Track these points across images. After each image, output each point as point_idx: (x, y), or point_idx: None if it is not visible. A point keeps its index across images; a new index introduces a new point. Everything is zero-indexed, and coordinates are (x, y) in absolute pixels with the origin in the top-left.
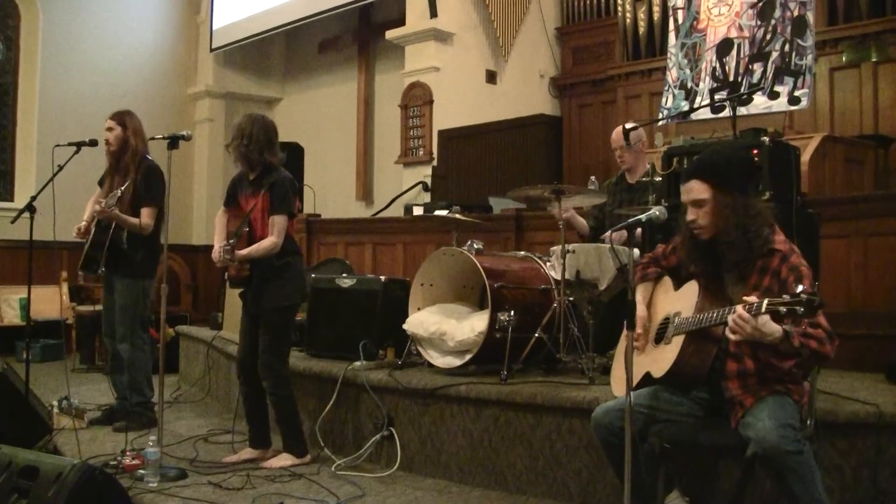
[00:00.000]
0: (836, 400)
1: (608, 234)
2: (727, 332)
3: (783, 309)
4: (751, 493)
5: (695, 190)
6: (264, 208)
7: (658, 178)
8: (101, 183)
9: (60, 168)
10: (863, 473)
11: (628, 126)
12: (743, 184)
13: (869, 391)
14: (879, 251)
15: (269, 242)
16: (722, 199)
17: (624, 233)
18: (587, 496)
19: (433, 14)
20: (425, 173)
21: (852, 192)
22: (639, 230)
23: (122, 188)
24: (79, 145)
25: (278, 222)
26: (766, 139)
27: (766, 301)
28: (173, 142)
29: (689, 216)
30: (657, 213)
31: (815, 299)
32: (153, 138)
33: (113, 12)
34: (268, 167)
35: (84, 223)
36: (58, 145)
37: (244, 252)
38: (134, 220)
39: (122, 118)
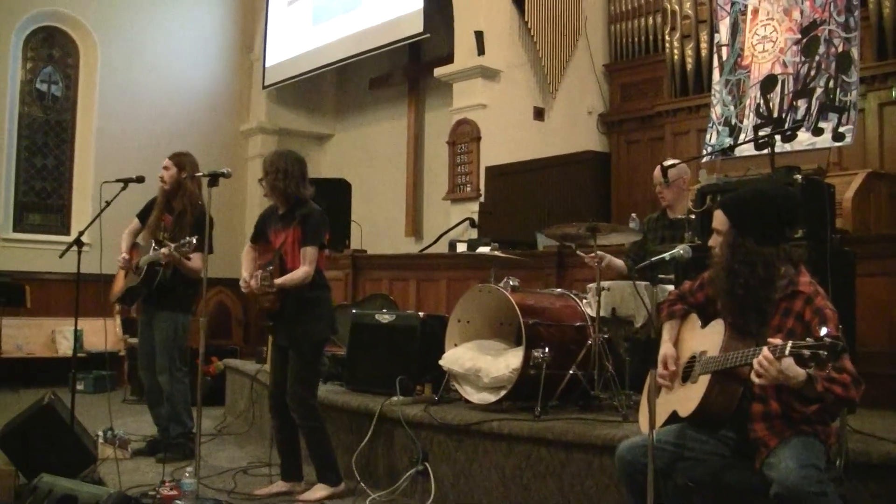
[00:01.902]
0: (869, 440)
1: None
2: (752, 376)
3: (807, 352)
4: None
5: (717, 219)
6: (295, 241)
7: (692, 216)
8: (141, 216)
9: (108, 204)
10: None
11: (667, 163)
12: (766, 232)
13: None
14: None
15: (302, 272)
16: (735, 239)
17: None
18: None
19: (481, 52)
20: (472, 209)
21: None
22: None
23: (194, 239)
24: (126, 182)
25: (310, 253)
26: (799, 177)
27: (789, 343)
28: (213, 179)
29: (710, 241)
30: (681, 251)
31: (839, 343)
32: (194, 176)
33: (168, 50)
34: (299, 201)
35: (126, 255)
36: (106, 182)
37: (279, 281)
38: (191, 265)
39: (181, 160)
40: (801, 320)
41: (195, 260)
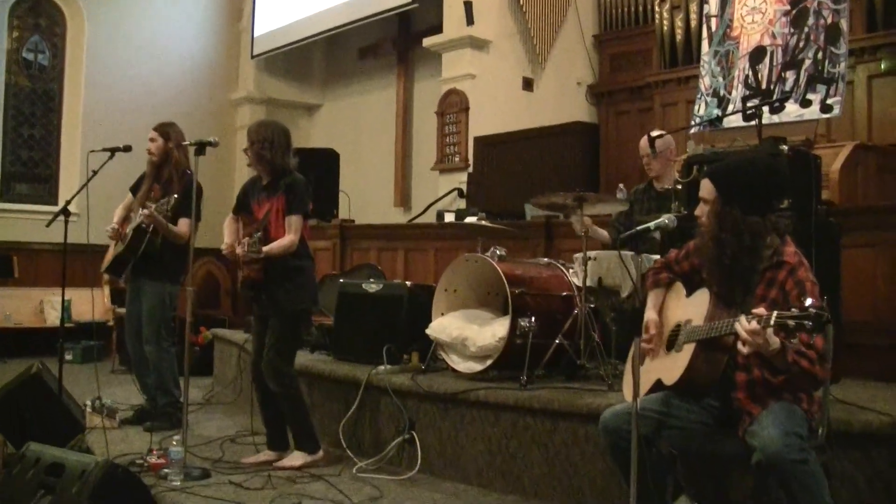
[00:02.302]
0: (852, 409)
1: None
2: (738, 346)
3: (792, 322)
4: (763, 502)
5: (704, 188)
6: (279, 210)
7: (679, 186)
8: (133, 190)
9: (95, 173)
10: (876, 484)
11: (654, 134)
12: (753, 202)
13: (889, 401)
14: None
15: (287, 240)
16: (722, 209)
17: None
18: (602, 502)
19: (470, 22)
20: (461, 180)
21: (883, 202)
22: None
23: (174, 197)
24: (113, 151)
25: (294, 222)
26: (786, 148)
27: (774, 314)
28: (200, 148)
29: (697, 211)
30: (666, 221)
31: (824, 314)
32: (180, 145)
33: (156, 20)
34: (284, 171)
35: (116, 226)
36: (92, 151)
37: (265, 249)
38: (177, 229)
39: (166, 130)
40: (783, 290)
41: (181, 225)
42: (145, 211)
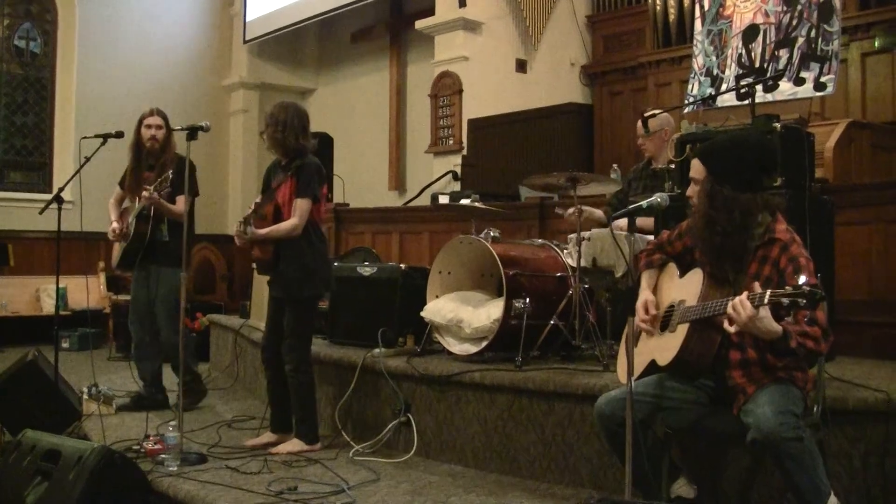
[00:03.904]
0: (847, 387)
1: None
2: (725, 324)
3: (785, 301)
4: (760, 480)
5: (694, 168)
6: (290, 193)
7: (672, 166)
8: (122, 184)
9: (87, 160)
10: (871, 460)
11: (647, 114)
12: (743, 179)
13: (883, 378)
14: None
15: (289, 224)
16: (712, 187)
17: (625, 220)
18: (598, 482)
19: (462, 3)
20: (455, 162)
21: (877, 179)
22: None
23: (169, 174)
24: (105, 137)
25: (300, 205)
26: (778, 125)
27: (768, 292)
28: (192, 133)
29: (688, 191)
30: (658, 199)
31: (818, 292)
32: (172, 129)
33: (148, 5)
34: (299, 153)
35: (116, 226)
36: (84, 137)
37: (263, 231)
38: (174, 207)
39: (166, 117)
40: (776, 267)
41: (178, 203)
42: (145, 194)
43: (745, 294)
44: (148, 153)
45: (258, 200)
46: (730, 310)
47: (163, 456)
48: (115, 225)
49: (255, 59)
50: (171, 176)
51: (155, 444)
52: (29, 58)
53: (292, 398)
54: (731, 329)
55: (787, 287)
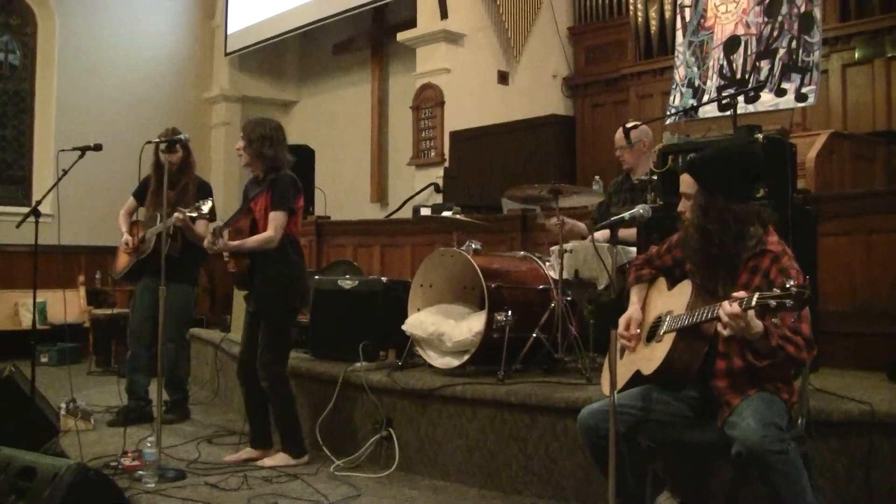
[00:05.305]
0: (831, 398)
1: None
2: (719, 328)
3: (773, 302)
4: (745, 493)
5: (685, 183)
6: (267, 206)
7: (654, 177)
8: (137, 195)
9: (65, 172)
10: (856, 473)
11: (629, 125)
12: (734, 189)
13: (866, 390)
14: (883, 248)
15: (263, 236)
16: (706, 199)
17: (607, 231)
18: (582, 496)
19: (444, 15)
20: (437, 175)
21: (858, 189)
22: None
23: (210, 201)
24: (83, 150)
25: (274, 218)
26: (761, 136)
27: (756, 295)
28: (170, 144)
29: (680, 206)
30: (641, 211)
31: (805, 291)
32: (149, 142)
33: (128, 18)
34: (276, 167)
35: (129, 238)
36: (62, 150)
37: (235, 243)
38: (198, 232)
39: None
40: (766, 278)
41: (199, 227)
42: (178, 215)
43: (730, 300)
44: (170, 174)
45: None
46: (724, 317)
47: (141, 472)
48: (126, 237)
49: (236, 71)
50: (210, 203)
51: (133, 460)
52: (8, 70)
53: (273, 413)
54: (726, 332)
55: (774, 290)
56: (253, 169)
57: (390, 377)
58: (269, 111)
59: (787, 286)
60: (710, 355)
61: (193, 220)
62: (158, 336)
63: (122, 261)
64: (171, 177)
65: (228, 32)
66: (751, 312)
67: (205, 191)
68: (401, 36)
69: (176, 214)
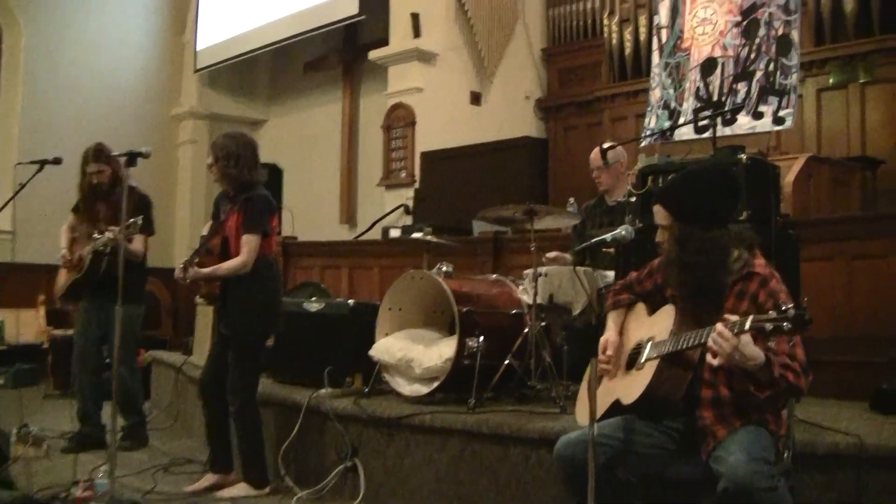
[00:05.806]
0: (816, 430)
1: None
2: (708, 357)
3: (769, 325)
4: None
5: (658, 215)
6: (238, 226)
7: (633, 199)
8: (76, 210)
9: (22, 187)
10: None
11: (606, 145)
12: (710, 215)
13: (851, 421)
14: (864, 274)
15: (236, 262)
16: (681, 231)
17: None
18: None
19: (417, 34)
20: (407, 196)
21: (837, 214)
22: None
23: (140, 219)
24: (42, 164)
25: (247, 242)
26: (744, 157)
27: (750, 318)
28: (131, 159)
29: (657, 236)
30: (623, 232)
31: (804, 314)
32: (111, 155)
33: (97, 33)
34: (248, 185)
35: (66, 252)
36: (20, 163)
37: (206, 270)
38: (133, 248)
39: (105, 157)
40: (754, 302)
41: (136, 242)
42: (108, 234)
43: (721, 323)
44: (97, 188)
45: (204, 234)
46: (712, 343)
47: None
48: (64, 252)
49: (205, 88)
50: (140, 222)
51: (84, 490)
52: None
53: (238, 440)
54: (716, 362)
55: (770, 312)
56: (224, 186)
57: (356, 404)
58: (237, 129)
59: (784, 308)
60: (695, 384)
61: (128, 235)
62: (112, 358)
63: (62, 280)
64: (101, 192)
65: (198, 49)
66: (748, 340)
67: (143, 204)
68: (373, 54)
69: (107, 234)
